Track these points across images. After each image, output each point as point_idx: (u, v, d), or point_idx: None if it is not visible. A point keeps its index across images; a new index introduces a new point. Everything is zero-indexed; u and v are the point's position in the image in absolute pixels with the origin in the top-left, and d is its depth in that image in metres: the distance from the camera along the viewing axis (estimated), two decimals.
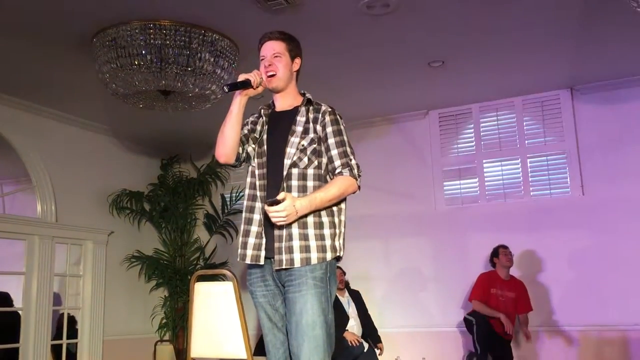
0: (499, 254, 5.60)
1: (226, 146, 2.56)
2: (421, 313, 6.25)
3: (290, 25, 4.32)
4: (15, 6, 4.01)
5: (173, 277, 6.90)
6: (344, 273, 5.83)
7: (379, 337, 5.74)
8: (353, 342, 5.33)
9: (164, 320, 6.95)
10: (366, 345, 5.50)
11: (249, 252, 2.52)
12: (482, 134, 6.37)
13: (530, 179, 6.11)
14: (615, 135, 5.77)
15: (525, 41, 4.85)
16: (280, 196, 2.36)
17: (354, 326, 5.63)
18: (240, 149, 2.60)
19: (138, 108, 4.95)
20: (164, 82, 4.39)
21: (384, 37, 4.68)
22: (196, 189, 7.18)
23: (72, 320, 6.19)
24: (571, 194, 5.89)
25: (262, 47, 2.64)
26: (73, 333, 6.15)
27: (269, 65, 2.59)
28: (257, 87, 2.56)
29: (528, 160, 6.13)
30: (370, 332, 5.73)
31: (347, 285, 5.87)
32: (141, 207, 7.00)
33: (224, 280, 3.14)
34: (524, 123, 6.19)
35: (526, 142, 6.17)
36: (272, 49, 2.60)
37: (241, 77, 2.55)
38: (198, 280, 3.18)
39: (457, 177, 6.44)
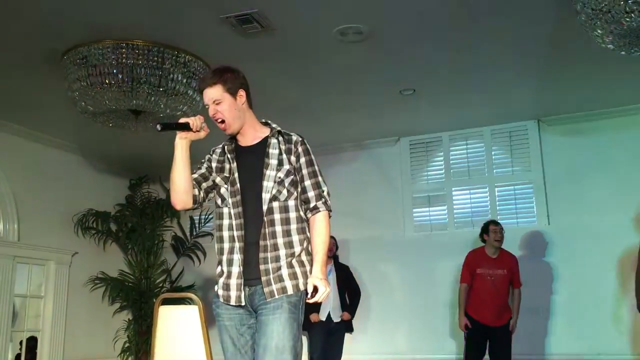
0: (489, 231, 5.32)
1: (179, 192, 2.49)
2: (389, 340, 6.23)
3: (264, 49, 4.36)
4: None
5: (138, 299, 6.77)
6: (336, 245, 5.86)
7: (352, 307, 5.77)
8: (312, 319, 5.49)
9: (127, 344, 6.80)
10: (336, 319, 5.64)
11: (233, 293, 2.47)
12: (451, 162, 6.45)
13: (498, 208, 6.19)
14: (580, 166, 5.89)
15: (494, 74, 4.96)
16: (310, 289, 2.43)
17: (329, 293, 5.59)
18: (196, 190, 2.54)
19: (107, 127, 4.89)
20: (135, 101, 4.35)
21: (357, 64, 4.72)
22: (165, 210, 7.09)
23: (33, 343, 6.00)
24: (537, 223, 5.98)
25: (203, 96, 2.54)
26: (33, 356, 5.96)
27: (214, 114, 2.52)
28: (198, 130, 2.47)
29: (496, 189, 6.22)
30: (350, 301, 5.78)
31: (335, 257, 5.88)
32: (107, 227, 6.88)
33: (189, 304, 3.10)
34: (493, 153, 6.30)
35: (494, 171, 6.27)
36: (210, 98, 2.50)
37: (181, 120, 2.47)
38: (163, 304, 3.13)
39: (427, 204, 6.49)
